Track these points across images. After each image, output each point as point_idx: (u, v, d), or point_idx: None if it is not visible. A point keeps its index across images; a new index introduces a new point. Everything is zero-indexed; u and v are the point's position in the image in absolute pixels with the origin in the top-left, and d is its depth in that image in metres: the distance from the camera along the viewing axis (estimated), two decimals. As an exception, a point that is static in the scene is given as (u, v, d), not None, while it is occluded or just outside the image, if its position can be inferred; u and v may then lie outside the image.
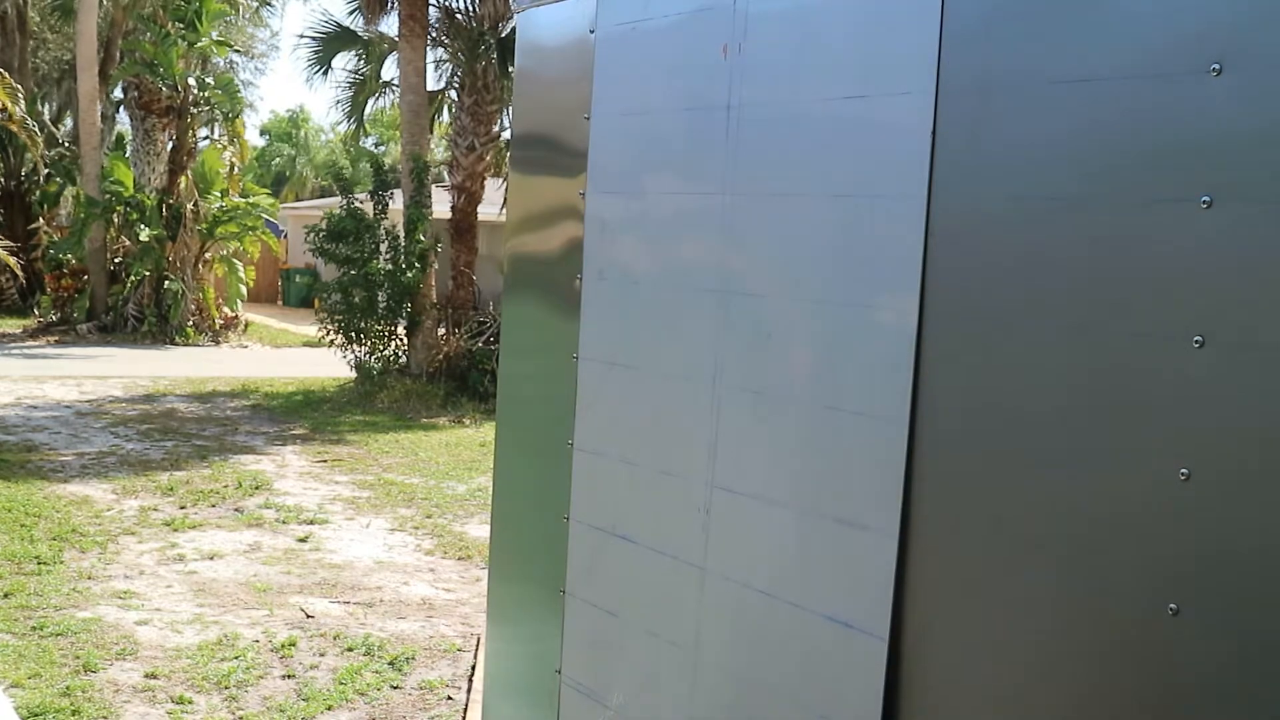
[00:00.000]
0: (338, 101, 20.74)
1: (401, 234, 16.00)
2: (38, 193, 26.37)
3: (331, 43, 19.27)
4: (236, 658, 5.76)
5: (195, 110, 21.89)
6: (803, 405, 2.17)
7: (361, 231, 15.57)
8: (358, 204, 15.93)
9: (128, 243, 21.65)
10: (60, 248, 22.51)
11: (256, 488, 9.76)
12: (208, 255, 21.83)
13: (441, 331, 16.61)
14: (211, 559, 7.63)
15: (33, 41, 29.50)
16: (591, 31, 2.71)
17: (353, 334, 15.85)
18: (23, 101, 21.31)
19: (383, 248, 15.65)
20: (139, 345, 20.49)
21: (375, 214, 15.87)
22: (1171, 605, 1.60)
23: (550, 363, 2.85)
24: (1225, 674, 1.57)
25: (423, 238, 15.74)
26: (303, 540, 8.23)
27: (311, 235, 15.93)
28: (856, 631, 2.03)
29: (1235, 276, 1.56)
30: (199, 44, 21.61)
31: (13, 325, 22.60)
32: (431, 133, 19.70)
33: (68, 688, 5.26)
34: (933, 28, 1.93)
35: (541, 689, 2.86)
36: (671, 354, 2.48)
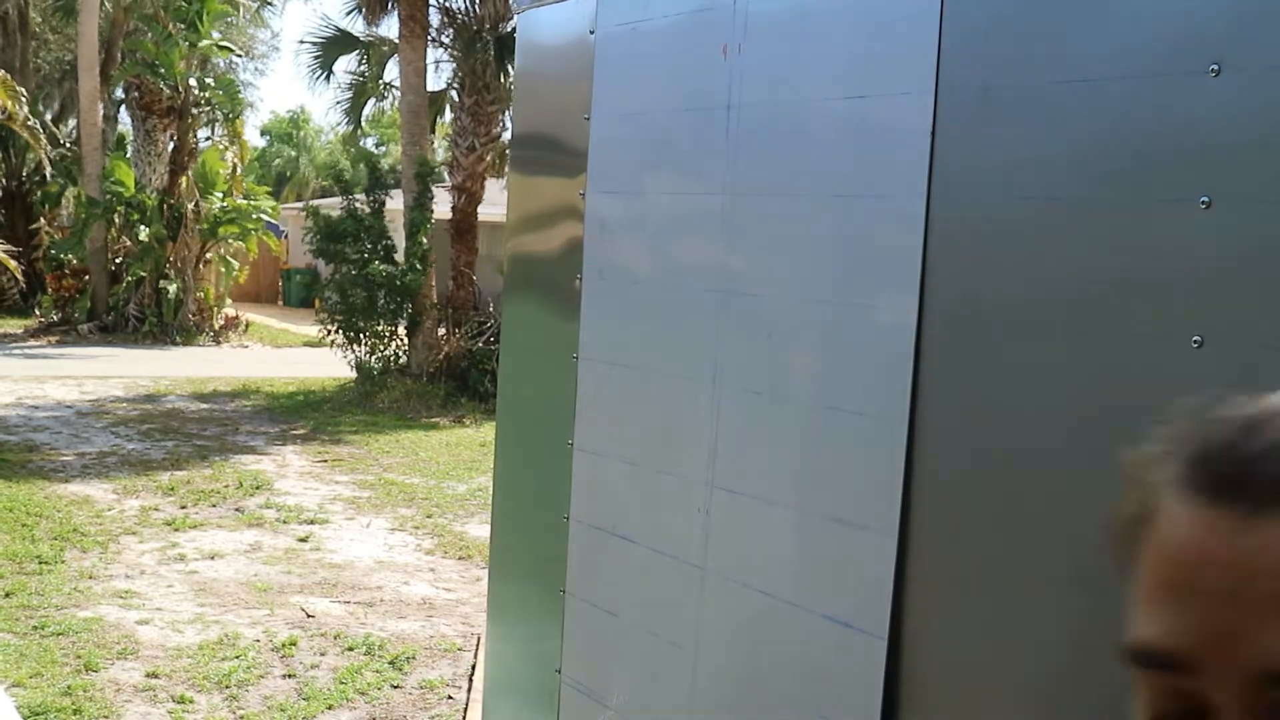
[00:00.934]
0: (338, 103, 20.73)
1: (402, 236, 15.98)
2: (39, 193, 26.37)
3: (332, 47, 19.29)
4: (237, 657, 5.76)
5: (196, 111, 21.89)
6: (803, 405, 2.17)
7: (361, 233, 15.56)
8: (358, 204, 15.93)
9: (129, 243, 21.66)
10: (61, 248, 22.51)
11: (257, 487, 9.76)
12: (208, 255, 21.84)
13: (442, 331, 16.61)
14: (212, 559, 7.63)
15: (34, 42, 29.51)
16: (591, 32, 2.71)
17: (353, 334, 15.85)
18: (25, 102, 21.31)
19: (380, 248, 15.63)
20: (140, 345, 20.50)
21: (370, 212, 15.83)
22: (1171, 605, 1.60)
23: (550, 363, 2.85)
24: (1225, 674, 1.57)
25: (424, 240, 15.73)
26: (303, 540, 8.23)
27: (309, 236, 15.93)
28: (856, 631, 2.03)
29: (1235, 276, 1.56)
30: (200, 45, 21.61)
31: (14, 325, 22.61)
32: (434, 133, 19.71)
33: (69, 687, 5.26)
34: (932, 28, 1.93)
35: (541, 689, 2.86)
36: (671, 354, 2.48)
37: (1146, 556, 0.63)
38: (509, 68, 16.26)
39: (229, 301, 22.79)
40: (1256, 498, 0.57)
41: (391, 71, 19.42)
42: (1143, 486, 0.66)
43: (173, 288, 20.92)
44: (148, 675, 5.48)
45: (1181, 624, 0.60)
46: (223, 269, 22.22)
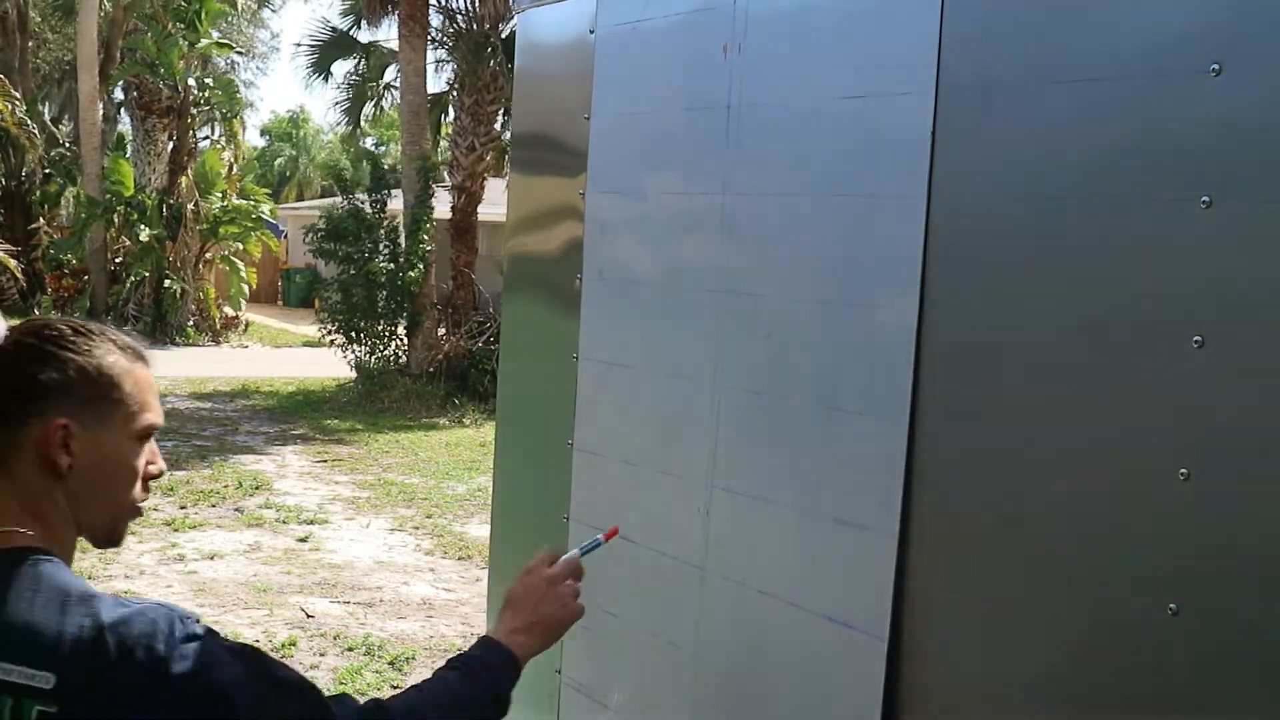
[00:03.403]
0: (337, 103, 20.76)
1: (402, 235, 15.98)
2: (38, 193, 26.36)
3: (330, 49, 19.32)
4: (237, 658, 5.75)
5: (195, 111, 21.88)
6: (803, 405, 2.17)
7: (362, 231, 15.57)
8: (359, 204, 15.94)
9: (128, 243, 21.64)
10: (61, 248, 22.52)
11: (256, 488, 9.76)
12: (208, 255, 21.82)
13: (441, 331, 16.61)
14: (211, 559, 7.63)
15: (33, 41, 29.50)
16: (591, 31, 2.71)
17: (353, 334, 15.85)
18: (22, 103, 21.28)
19: (381, 247, 15.64)
20: (139, 345, 20.47)
21: (373, 213, 15.85)
22: (1171, 605, 1.60)
23: (550, 363, 2.85)
24: (1225, 674, 1.57)
25: (425, 238, 15.74)
26: (303, 540, 8.23)
27: (311, 235, 15.94)
28: (856, 631, 2.03)
29: (1235, 276, 1.56)
30: (199, 44, 21.60)
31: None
32: (437, 133, 19.72)
33: (68, 688, 5.26)
34: (933, 28, 1.93)
35: (541, 689, 2.86)
36: (671, 354, 2.48)
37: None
38: (510, 68, 16.26)
39: (243, 305, 22.69)
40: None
41: (392, 73, 19.43)
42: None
43: (175, 286, 20.87)
44: (147, 675, 5.47)
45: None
46: (228, 270, 22.18)
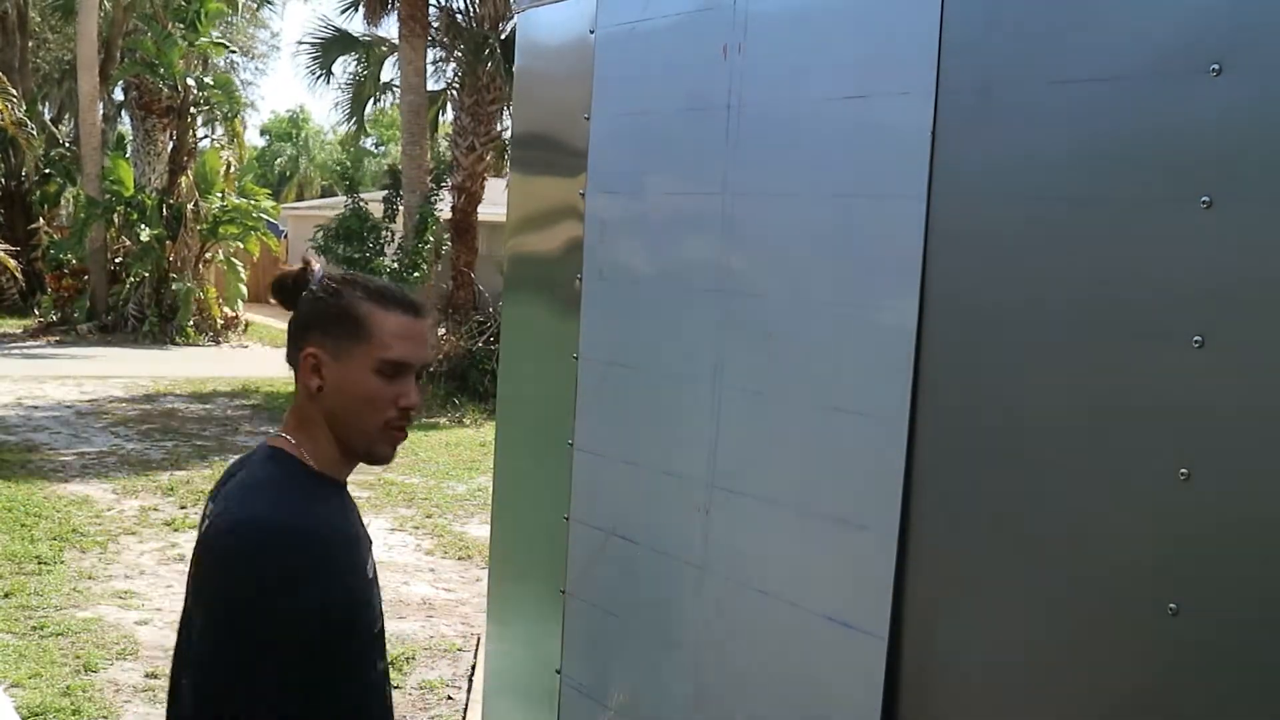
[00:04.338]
0: (337, 104, 20.84)
1: (406, 235, 16.00)
2: (38, 193, 26.35)
3: (331, 47, 19.33)
4: (237, 658, 5.75)
5: (195, 111, 21.87)
6: (803, 405, 2.17)
7: (366, 232, 15.59)
8: (363, 204, 15.98)
9: (128, 243, 21.63)
10: (61, 248, 22.50)
11: (257, 488, 9.75)
12: (208, 255, 21.81)
13: (442, 331, 16.61)
14: (212, 559, 7.63)
15: (33, 41, 29.50)
16: (591, 32, 2.71)
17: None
18: (21, 103, 21.28)
19: (388, 249, 15.68)
20: (139, 345, 20.48)
21: (384, 216, 15.90)
22: (1171, 605, 1.60)
23: (550, 363, 2.85)
24: (1225, 674, 1.57)
25: (431, 238, 15.79)
26: (303, 540, 8.22)
27: (319, 235, 15.99)
28: (856, 631, 2.03)
29: (1235, 276, 1.56)
30: (198, 43, 21.60)
31: (13, 325, 22.59)
32: (435, 132, 19.74)
33: (68, 687, 5.26)
34: (933, 28, 1.93)
35: (541, 689, 2.86)
36: (671, 354, 2.48)
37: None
38: (510, 68, 16.28)
39: (240, 305, 22.69)
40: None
41: (390, 72, 19.45)
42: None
43: (182, 287, 20.85)
44: (147, 676, 5.48)
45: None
46: (225, 268, 22.19)
